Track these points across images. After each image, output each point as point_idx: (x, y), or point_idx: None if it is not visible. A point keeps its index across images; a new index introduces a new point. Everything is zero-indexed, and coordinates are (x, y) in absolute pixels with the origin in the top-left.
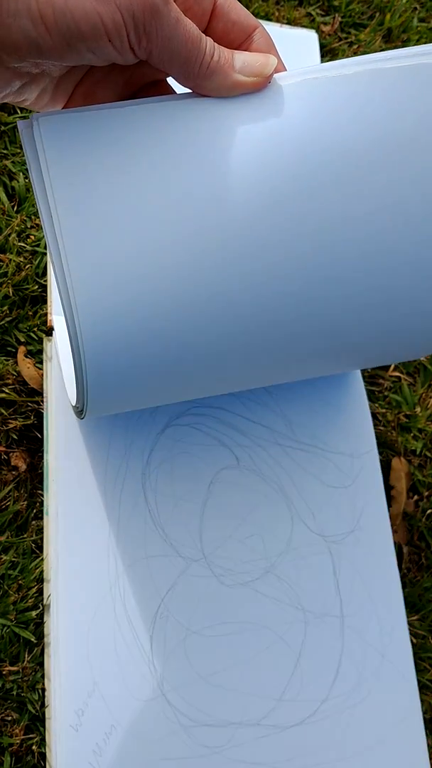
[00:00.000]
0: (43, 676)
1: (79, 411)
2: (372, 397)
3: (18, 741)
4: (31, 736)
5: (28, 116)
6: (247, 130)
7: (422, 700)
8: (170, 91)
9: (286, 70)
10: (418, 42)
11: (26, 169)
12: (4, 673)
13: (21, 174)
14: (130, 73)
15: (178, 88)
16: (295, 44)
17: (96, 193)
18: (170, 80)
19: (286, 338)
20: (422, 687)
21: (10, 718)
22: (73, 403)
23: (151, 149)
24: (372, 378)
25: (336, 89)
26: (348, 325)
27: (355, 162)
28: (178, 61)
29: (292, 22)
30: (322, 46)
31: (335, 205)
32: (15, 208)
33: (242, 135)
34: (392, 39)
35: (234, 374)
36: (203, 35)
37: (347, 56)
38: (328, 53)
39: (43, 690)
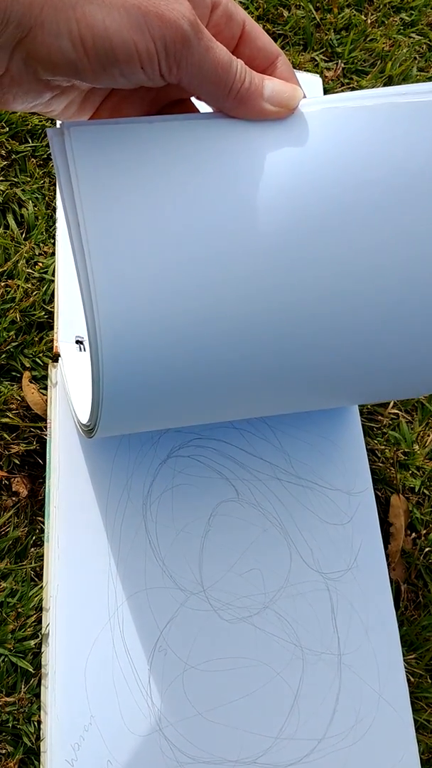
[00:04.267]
0: (39, 708)
1: (90, 429)
2: (371, 433)
3: None
4: None
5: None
6: (272, 156)
7: (419, 741)
8: (194, 108)
9: (306, 97)
10: None
11: (36, 198)
12: (0, 704)
13: (30, 202)
14: (156, 91)
15: (201, 105)
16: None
17: (124, 206)
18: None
19: (299, 363)
20: (419, 727)
21: (4, 751)
22: (84, 422)
23: (179, 168)
24: (371, 415)
25: (355, 120)
26: (358, 354)
27: (372, 193)
28: (207, 86)
29: (296, 67)
30: (325, 91)
31: (353, 233)
32: (24, 236)
33: (267, 161)
34: (392, 86)
35: (243, 398)
36: (234, 59)
37: None
38: None
39: (39, 722)
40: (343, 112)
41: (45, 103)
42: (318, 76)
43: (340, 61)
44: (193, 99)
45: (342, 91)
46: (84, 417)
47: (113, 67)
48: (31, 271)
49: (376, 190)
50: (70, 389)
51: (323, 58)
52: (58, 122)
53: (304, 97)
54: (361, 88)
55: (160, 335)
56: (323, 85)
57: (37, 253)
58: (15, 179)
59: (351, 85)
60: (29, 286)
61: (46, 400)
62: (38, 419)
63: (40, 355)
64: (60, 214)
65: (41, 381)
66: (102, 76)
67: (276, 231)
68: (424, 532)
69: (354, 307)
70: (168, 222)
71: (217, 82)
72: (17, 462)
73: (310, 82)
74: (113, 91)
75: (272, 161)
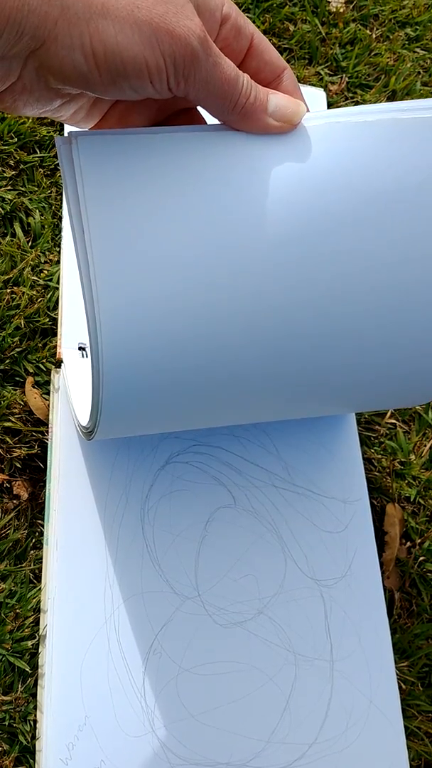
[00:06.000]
0: (35, 708)
1: (89, 432)
2: (368, 442)
3: None
4: None
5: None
6: (275, 169)
7: (409, 748)
8: (200, 118)
9: (309, 111)
10: None
11: (42, 207)
12: None
13: (37, 211)
14: (163, 101)
15: (207, 115)
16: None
17: (129, 215)
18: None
19: (298, 370)
20: (409, 734)
21: (0, 749)
22: (84, 424)
23: (183, 179)
24: (368, 424)
25: (358, 135)
26: (355, 362)
27: (372, 206)
28: (213, 100)
29: (301, 80)
30: (329, 104)
31: (354, 245)
32: (30, 244)
33: (270, 174)
34: (396, 101)
35: (241, 404)
36: (241, 74)
37: None
38: None
39: (35, 721)
40: (345, 126)
41: (54, 109)
42: (322, 89)
43: (344, 75)
44: (199, 108)
45: (346, 105)
46: (84, 419)
47: (123, 80)
48: (36, 278)
49: (377, 204)
50: (72, 392)
51: (328, 72)
52: (66, 130)
53: (308, 111)
54: (365, 102)
55: (160, 342)
56: (327, 98)
57: (42, 261)
58: (23, 188)
59: (355, 99)
60: (34, 293)
61: (49, 405)
62: (40, 424)
63: (44, 360)
64: (65, 224)
65: (44, 386)
66: (111, 89)
67: (278, 243)
68: (419, 541)
69: (353, 317)
70: (171, 232)
71: (223, 96)
72: (19, 465)
73: (314, 96)
74: (121, 100)
75: (275, 175)
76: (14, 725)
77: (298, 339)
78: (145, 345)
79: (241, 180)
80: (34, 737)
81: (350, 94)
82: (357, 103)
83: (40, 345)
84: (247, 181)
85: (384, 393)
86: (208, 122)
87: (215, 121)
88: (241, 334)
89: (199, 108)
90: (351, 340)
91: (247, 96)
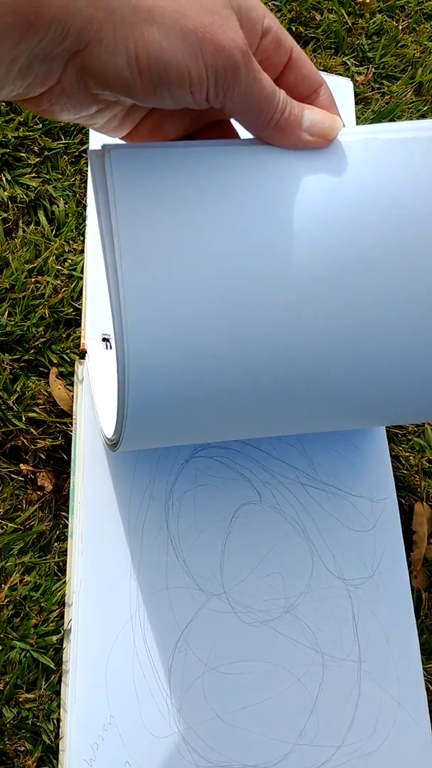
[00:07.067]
0: (59, 706)
1: (113, 444)
2: (395, 440)
3: None
4: None
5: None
6: (308, 186)
7: None
8: (233, 130)
9: (345, 126)
10: None
11: (67, 195)
12: (20, 700)
13: (61, 199)
14: (197, 112)
15: (240, 128)
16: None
17: (159, 229)
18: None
19: (328, 390)
20: None
21: (23, 749)
22: (109, 436)
23: (215, 194)
24: None
25: (393, 152)
26: (389, 378)
27: (407, 224)
28: (249, 115)
29: (327, 70)
30: (355, 95)
31: (387, 264)
32: (54, 232)
33: (304, 191)
34: (422, 93)
35: (269, 421)
36: (277, 90)
37: (380, 105)
38: (360, 101)
39: (59, 720)
40: (382, 143)
41: (90, 116)
42: (349, 80)
43: (371, 65)
44: (232, 120)
45: (373, 96)
46: (109, 430)
47: (164, 89)
48: (60, 267)
49: (412, 223)
50: (96, 397)
51: (354, 62)
52: (91, 139)
53: (344, 126)
54: (391, 93)
55: (187, 368)
56: (354, 89)
57: (66, 250)
58: (47, 176)
59: (381, 90)
60: (58, 282)
61: (72, 397)
62: (64, 415)
63: (68, 351)
64: (90, 212)
65: (68, 377)
66: (151, 97)
67: (309, 259)
68: None
69: (384, 334)
70: (201, 250)
71: (259, 112)
72: (43, 456)
73: (341, 86)
74: (155, 109)
75: (308, 191)
76: (37, 724)
77: (329, 359)
78: (172, 361)
79: (274, 196)
80: (57, 736)
81: (377, 85)
82: (384, 94)
83: (64, 335)
84: (281, 198)
85: (421, 414)
86: (241, 135)
87: (248, 135)
88: (270, 353)
89: (232, 121)
90: (387, 356)
91: (282, 111)
